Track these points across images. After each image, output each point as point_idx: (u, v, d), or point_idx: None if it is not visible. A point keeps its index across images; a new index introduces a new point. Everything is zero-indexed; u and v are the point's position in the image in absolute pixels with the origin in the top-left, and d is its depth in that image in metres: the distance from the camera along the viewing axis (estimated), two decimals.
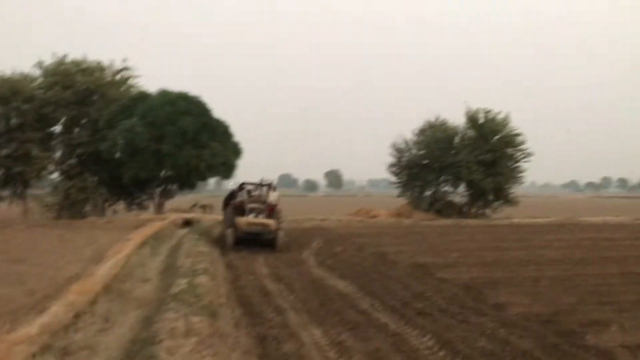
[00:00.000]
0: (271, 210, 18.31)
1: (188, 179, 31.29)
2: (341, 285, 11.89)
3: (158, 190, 31.77)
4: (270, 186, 19.46)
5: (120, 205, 33.20)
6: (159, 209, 31.05)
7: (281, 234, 17.83)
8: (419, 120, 37.18)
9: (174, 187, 32.95)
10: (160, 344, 5.71)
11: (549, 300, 9.75)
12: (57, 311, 7.22)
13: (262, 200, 18.96)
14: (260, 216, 17.97)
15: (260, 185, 19.57)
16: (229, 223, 18.00)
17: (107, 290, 9.25)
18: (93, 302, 8.14)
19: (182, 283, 9.24)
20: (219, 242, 18.66)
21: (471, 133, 34.75)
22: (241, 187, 19.59)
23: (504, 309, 9.19)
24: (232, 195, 20.05)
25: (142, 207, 33.26)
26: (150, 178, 29.70)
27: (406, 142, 36.14)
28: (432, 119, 35.87)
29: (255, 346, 7.04)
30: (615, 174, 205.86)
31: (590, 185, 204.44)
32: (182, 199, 49.85)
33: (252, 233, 17.58)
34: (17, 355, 5.38)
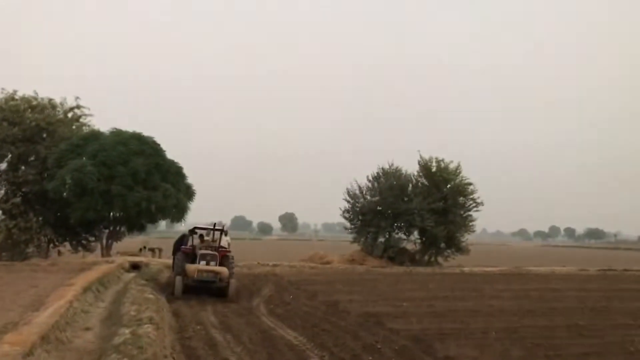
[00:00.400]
0: (223, 257, 17.64)
1: (137, 221, 30.47)
2: (291, 335, 11.67)
3: (106, 231, 30.85)
4: (222, 230, 18.76)
5: (66, 247, 32.01)
6: (107, 251, 30.05)
7: (233, 282, 17.10)
8: (373, 167, 37.74)
9: (123, 228, 32.11)
10: None
11: (497, 353, 9.85)
12: None
13: (214, 246, 18.25)
14: (212, 263, 17.07)
15: (212, 229, 18.74)
16: (178, 270, 17.19)
17: (45, 340, 8.79)
18: (28, 354, 7.70)
19: (125, 333, 8.86)
20: (166, 290, 17.68)
21: (424, 181, 35.44)
22: (193, 231, 18.76)
23: None
24: (182, 239, 19.19)
25: (88, 248, 32.12)
26: (98, 219, 28.81)
27: (360, 189, 36.51)
28: (387, 166, 36.49)
29: None
30: (562, 224, 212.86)
31: (539, 233, 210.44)
32: (131, 241, 48.56)
33: (203, 281, 16.71)
34: None
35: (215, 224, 18.72)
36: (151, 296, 14.05)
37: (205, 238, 18.69)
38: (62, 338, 9.77)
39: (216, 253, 17.46)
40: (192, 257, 17.53)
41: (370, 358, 9.43)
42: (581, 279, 27.05)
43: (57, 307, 11.96)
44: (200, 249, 17.69)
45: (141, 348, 7.85)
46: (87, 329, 11.25)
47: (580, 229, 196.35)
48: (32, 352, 7.93)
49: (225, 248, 18.39)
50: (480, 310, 15.02)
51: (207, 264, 16.93)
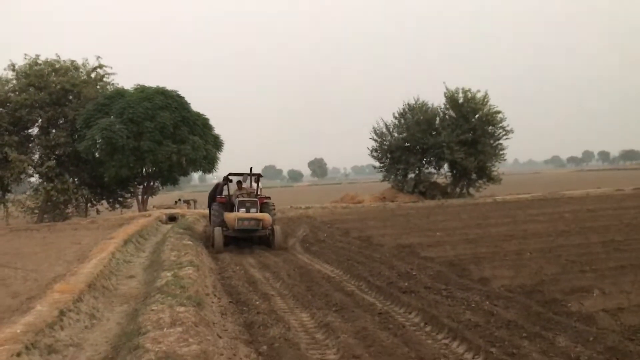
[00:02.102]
0: (263, 204, 16.27)
1: (170, 175, 31.06)
2: (327, 269, 11.94)
3: (140, 187, 31.55)
4: (259, 175, 17.61)
5: (103, 205, 32.92)
6: (143, 206, 30.82)
7: (278, 229, 15.86)
8: (399, 103, 37.38)
9: (157, 183, 32.79)
10: (146, 334, 5.68)
11: (532, 272, 9.88)
12: (41, 310, 7.14)
13: (252, 192, 16.94)
14: (253, 210, 15.64)
15: (248, 175, 17.20)
16: (216, 221, 15.94)
17: (92, 288, 9.17)
18: (78, 300, 8.06)
19: (167, 276, 9.19)
20: (206, 243, 16.53)
21: (451, 113, 34.96)
22: (227, 178, 17.26)
23: (489, 282, 9.29)
24: (217, 189, 17.92)
25: (125, 205, 33.06)
26: (131, 176, 29.46)
27: (387, 126, 36.27)
28: (412, 102, 36.05)
29: (242, 332, 7.05)
30: (596, 148, 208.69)
31: (572, 159, 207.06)
32: (165, 196, 49.62)
33: (245, 230, 15.38)
34: (1, 355, 5.33)
35: (251, 168, 17.27)
36: (189, 242, 14.43)
37: (243, 185, 17.36)
38: (108, 285, 10.18)
39: (256, 199, 16.18)
40: (229, 207, 16.37)
41: (406, 284, 9.59)
42: (617, 198, 26.68)
43: (101, 258, 12.40)
44: (238, 196, 16.35)
45: (183, 288, 8.14)
46: (131, 276, 11.68)
47: (614, 152, 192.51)
48: (80, 298, 8.30)
49: (262, 195, 17.30)
50: (514, 235, 15.03)
51: (247, 211, 15.63)
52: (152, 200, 33.69)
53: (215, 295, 9.04)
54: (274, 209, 16.67)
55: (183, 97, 29.79)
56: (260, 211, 15.92)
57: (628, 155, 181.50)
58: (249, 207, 15.68)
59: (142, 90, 28.90)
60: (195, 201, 35.14)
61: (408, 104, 36.01)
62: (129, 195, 32.53)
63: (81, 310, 7.89)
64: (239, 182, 16.95)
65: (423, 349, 6.19)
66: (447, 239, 15.07)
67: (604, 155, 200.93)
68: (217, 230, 15.34)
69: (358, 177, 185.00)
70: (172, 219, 24.90)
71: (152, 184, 31.85)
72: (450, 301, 8.29)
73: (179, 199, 35.54)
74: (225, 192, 17.08)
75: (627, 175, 73.74)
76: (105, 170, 27.87)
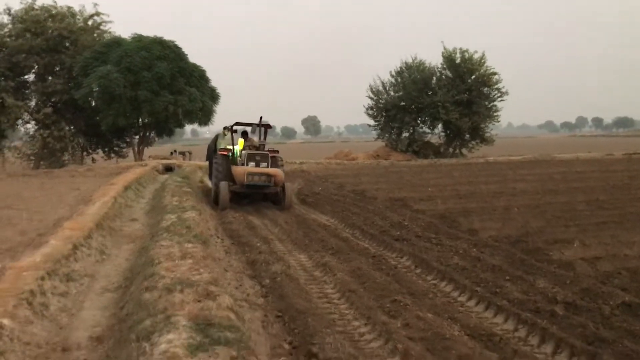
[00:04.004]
0: (272, 157, 14.52)
1: (166, 126, 31.30)
2: (323, 219, 12.43)
3: (136, 137, 31.78)
4: (268, 127, 15.66)
5: (99, 154, 33.18)
6: (139, 156, 31.11)
7: (289, 186, 14.54)
8: (396, 62, 37.42)
9: (152, 134, 32.99)
10: (159, 265, 6.14)
11: (518, 225, 10.40)
12: (55, 244, 7.57)
13: (262, 145, 15.22)
14: (263, 165, 14.07)
15: (257, 125, 15.31)
16: (220, 175, 14.19)
17: (99, 227, 9.61)
18: (88, 237, 8.50)
19: (171, 218, 9.62)
20: (206, 197, 15.52)
21: (448, 73, 35.08)
22: (231, 129, 15.45)
23: (476, 233, 9.81)
24: (217, 139, 16.22)
25: (121, 154, 33.32)
26: (128, 125, 29.64)
27: (383, 85, 36.39)
28: (409, 60, 36.10)
29: (246, 268, 7.56)
30: (590, 114, 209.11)
31: (566, 125, 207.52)
32: (159, 148, 49.72)
33: (254, 186, 13.90)
34: (26, 279, 5.77)
35: (260, 117, 15.21)
36: (189, 190, 14.83)
37: (249, 136, 15.74)
38: (114, 226, 10.63)
39: (267, 152, 14.53)
40: (233, 160, 14.71)
41: (398, 233, 10.10)
42: (606, 162, 27.24)
43: (103, 202, 12.80)
44: (244, 149, 14.76)
45: (189, 228, 8.59)
46: (133, 219, 12.13)
47: (608, 119, 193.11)
48: (90, 235, 8.74)
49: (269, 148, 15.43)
50: (503, 192, 15.54)
51: (257, 165, 14.04)
52: (147, 152, 33.90)
53: (218, 237, 9.54)
54: (283, 164, 15.25)
55: (180, 48, 29.75)
56: (271, 166, 14.34)
57: (622, 122, 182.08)
58: (258, 161, 14.11)
59: (139, 39, 28.81)
60: (190, 153, 35.42)
61: (405, 63, 36.10)
62: (125, 145, 32.76)
63: (92, 246, 8.35)
64: (244, 133, 15.63)
65: (413, 286, 6.71)
66: (439, 194, 15.56)
67: (598, 121, 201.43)
68: (223, 185, 13.72)
69: (351, 136, 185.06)
70: (168, 169, 25.22)
71: (147, 134, 32.06)
72: (439, 248, 8.81)
73: (175, 151, 35.80)
74: (227, 144, 15.33)
75: (619, 142, 74.39)
76: (102, 118, 28.01)
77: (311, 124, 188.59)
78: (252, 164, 14.01)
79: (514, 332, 5.30)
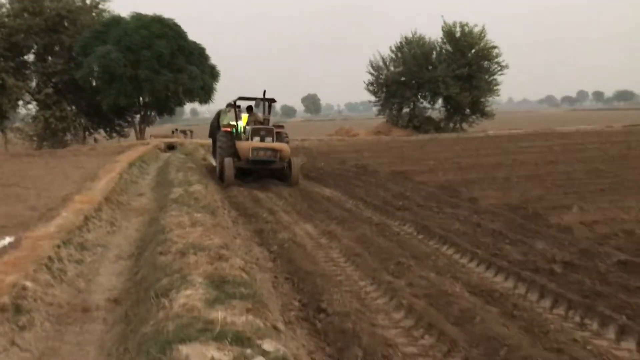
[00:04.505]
0: (277, 133, 14.12)
1: (166, 105, 31.40)
2: (326, 192, 12.62)
3: (137, 116, 31.89)
4: (272, 101, 14.96)
5: (101, 134, 33.33)
6: (141, 135, 31.26)
7: (296, 161, 13.96)
8: (397, 38, 37.35)
9: (153, 113, 33.09)
10: (171, 232, 6.35)
11: (518, 193, 10.61)
12: (67, 216, 7.78)
13: (266, 119, 14.68)
14: (268, 140, 13.69)
15: (262, 100, 14.62)
16: (225, 151, 13.84)
17: (108, 201, 9.82)
18: (98, 210, 8.72)
19: (179, 191, 9.83)
20: (210, 173, 15.31)
21: (448, 48, 35.03)
22: (236, 105, 15.04)
23: (477, 201, 10.01)
24: (220, 116, 15.96)
25: (122, 134, 33.46)
26: (129, 105, 29.71)
27: (383, 60, 36.37)
28: (410, 35, 36.02)
29: (254, 236, 7.79)
30: (590, 88, 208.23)
31: (566, 99, 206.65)
32: (159, 128, 49.83)
33: (259, 162, 13.54)
34: (43, 247, 5.98)
35: (264, 91, 14.48)
36: (193, 166, 15.04)
37: (254, 112, 15.18)
38: (121, 200, 10.84)
39: (272, 127, 14.17)
40: (238, 136, 14.35)
41: (401, 203, 10.30)
42: (606, 134, 27.40)
43: (110, 178, 13.00)
44: (248, 124, 14.43)
45: (197, 199, 8.81)
46: (140, 194, 12.35)
47: (609, 92, 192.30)
48: (100, 208, 8.96)
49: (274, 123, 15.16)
50: (503, 163, 15.73)
51: (262, 140, 13.67)
52: (148, 131, 34.05)
53: (224, 208, 9.74)
54: (288, 139, 14.69)
55: (179, 26, 29.70)
56: (275, 141, 13.93)
57: (622, 95, 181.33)
58: (263, 136, 13.73)
59: (138, 18, 28.77)
60: (191, 131, 35.60)
61: (405, 38, 36.05)
62: (127, 124, 32.89)
63: (102, 218, 8.57)
64: (248, 108, 15.07)
65: (416, 250, 6.94)
66: (440, 167, 15.75)
67: (599, 95, 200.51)
68: (228, 161, 13.39)
69: (352, 113, 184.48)
70: (170, 147, 25.43)
71: (149, 113, 32.17)
72: (440, 215, 9.02)
73: (176, 129, 36.00)
74: (230, 120, 15.05)
75: (620, 115, 74.14)
76: (103, 98, 28.07)
77: (311, 102, 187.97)
78: (256, 138, 13.64)
79: (514, 290, 5.52)
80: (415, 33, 35.94)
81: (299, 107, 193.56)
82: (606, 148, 19.15)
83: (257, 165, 13.70)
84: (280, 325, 4.01)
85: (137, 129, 31.51)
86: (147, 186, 13.85)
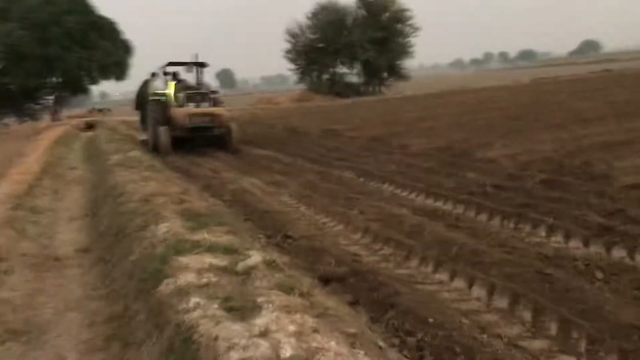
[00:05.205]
0: (214, 98, 13.47)
1: (80, 84, 30.30)
2: (262, 152, 12.88)
3: (51, 98, 30.59)
4: (203, 65, 14.20)
5: (11, 119, 31.70)
6: (55, 117, 30.03)
7: (234, 126, 13.35)
8: (311, 4, 37.58)
9: (67, 94, 31.84)
10: (126, 186, 6.50)
11: (444, 138, 11.33)
12: (10, 186, 7.71)
13: (199, 84, 14.01)
14: (204, 105, 12.98)
15: (193, 64, 13.88)
16: (157, 120, 13.09)
17: (45, 173, 9.69)
18: (38, 179, 8.64)
19: (118, 157, 9.83)
20: (146, 147, 13.85)
21: (362, 12, 35.71)
22: (165, 71, 14.16)
23: (408, 147, 10.67)
24: (146, 85, 14.96)
25: (35, 118, 31.98)
26: (40, 86, 28.46)
27: (300, 27, 36.59)
28: (324, 1, 36.37)
29: (204, 190, 8.01)
30: (496, 49, 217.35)
31: (474, 61, 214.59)
32: (73, 111, 47.85)
33: (198, 129, 12.78)
34: None
35: (196, 55, 13.89)
36: (122, 137, 14.84)
37: (183, 78, 14.26)
38: (57, 173, 10.68)
39: (207, 92, 13.56)
40: (169, 104, 13.29)
41: (337, 155, 10.80)
42: (514, 88, 29.09)
43: (39, 154, 12.73)
44: (179, 91, 13.41)
45: (140, 161, 8.89)
46: (73, 168, 12.12)
47: (513, 52, 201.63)
48: (40, 178, 8.87)
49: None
50: (425, 117, 16.54)
51: (198, 106, 12.93)
52: (63, 113, 32.73)
53: (167, 169, 9.85)
54: (224, 104, 13.90)
55: (88, 1, 28.58)
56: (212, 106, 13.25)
57: (525, 54, 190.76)
58: (199, 102, 13.03)
59: None
60: (109, 109, 34.57)
61: (319, 4, 36.36)
62: (40, 106, 31.47)
63: (45, 186, 8.52)
64: (174, 75, 14.17)
65: (361, 188, 7.46)
66: (367, 124, 16.36)
67: (504, 55, 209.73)
68: (164, 130, 12.64)
69: (267, 87, 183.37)
70: (89, 126, 24.66)
71: (62, 94, 30.93)
72: (376, 161, 9.58)
73: (93, 108, 34.82)
74: (158, 88, 14.14)
75: (524, 73, 78.24)
76: (12, 79, 26.75)
77: (226, 77, 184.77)
78: (192, 104, 12.87)
79: (453, 210, 6.13)
80: None
81: (214, 83, 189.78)
82: (516, 99, 20.45)
83: (195, 132, 12.89)
84: (257, 246, 4.37)
85: (52, 110, 30.22)
86: (77, 160, 13.58)
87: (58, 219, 6.87)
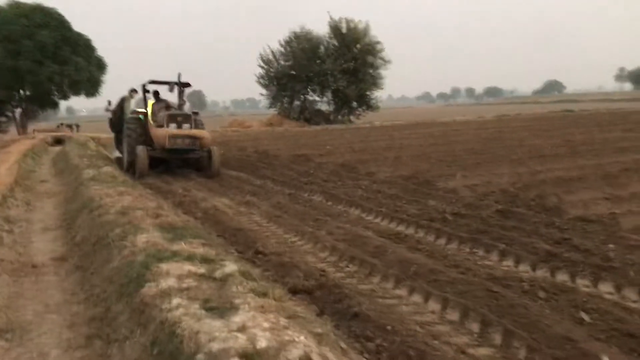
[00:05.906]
0: (196, 120, 13.16)
1: (50, 98, 30.13)
2: (233, 173, 13.16)
3: (18, 110, 30.31)
4: (186, 85, 13.84)
5: None
6: (23, 130, 29.72)
7: (216, 150, 12.90)
8: (285, 32, 38.34)
9: (35, 107, 31.58)
10: (102, 199, 6.71)
11: (409, 168, 11.83)
12: None
13: (180, 105, 13.80)
14: (186, 126, 12.59)
15: (176, 84, 13.58)
16: (136, 140, 12.71)
17: (17, 185, 9.77)
18: (11, 190, 8.74)
19: (91, 172, 9.98)
20: (121, 167, 13.54)
21: (335, 42, 36.56)
22: (145, 89, 13.84)
23: (374, 175, 11.09)
24: (123, 103, 14.63)
25: (1, 130, 31.59)
26: (8, 98, 28.22)
27: (273, 54, 37.18)
28: (298, 30, 37.14)
29: (177, 207, 8.25)
30: (463, 84, 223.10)
31: (441, 95, 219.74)
32: (41, 124, 47.24)
33: (178, 151, 12.42)
34: None
35: (179, 74, 13.51)
36: (93, 153, 14.92)
37: (163, 98, 14.13)
38: (29, 185, 10.75)
39: (189, 113, 13.19)
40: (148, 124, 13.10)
41: (306, 179, 11.16)
42: (478, 123, 30.13)
43: (8, 166, 12.71)
44: (159, 110, 13.27)
45: (114, 177, 9.09)
46: (43, 181, 12.22)
47: (479, 89, 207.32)
48: (12, 190, 8.96)
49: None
50: (392, 147, 17.10)
51: (179, 127, 12.50)
52: (31, 127, 32.39)
53: (141, 187, 10.04)
54: (204, 127, 13.65)
55: (63, 16, 28.64)
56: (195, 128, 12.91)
57: (491, 91, 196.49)
58: (181, 122, 12.62)
59: (17, 6, 27.42)
60: (78, 125, 34.29)
61: (294, 32, 37.10)
62: (6, 119, 31.11)
63: (17, 198, 8.63)
64: (156, 93, 13.99)
65: (328, 211, 7.82)
66: (336, 151, 16.80)
67: (470, 91, 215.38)
68: (141, 149, 12.14)
69: (238, 110, 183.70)
70: (58, 141, 24.53)
71: (30, 107, 30.68)
72: (344, 187, 9.98)
73: (61, 124, 34.47)
74: (137, 106, 13.89)
75: (489, 109, 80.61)
76: None
77: (197, 99, 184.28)
78: (173, 125, 12.46)
79: (415, 234, 6.53)
80: (303, 28, 37.18)
81: (185, 104, 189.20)
82: (480, 133, 21.28)
83: (174, 154, 12.60)
84: (232, 258, 4.66)
85: (19, 123, 29.89)
86: (47, 174, 13.66)
87: (31, 230, 7.02)
